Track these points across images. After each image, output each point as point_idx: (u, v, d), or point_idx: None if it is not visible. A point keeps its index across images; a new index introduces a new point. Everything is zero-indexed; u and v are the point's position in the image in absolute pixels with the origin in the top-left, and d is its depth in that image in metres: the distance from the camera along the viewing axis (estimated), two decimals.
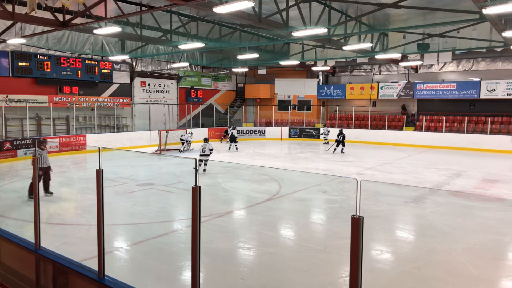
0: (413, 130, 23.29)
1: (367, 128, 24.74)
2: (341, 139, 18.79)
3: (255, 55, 18.53)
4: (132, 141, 20.16)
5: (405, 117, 24.33)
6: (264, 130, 26.38)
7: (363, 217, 3.65)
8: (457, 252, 6.24)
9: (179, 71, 24.93)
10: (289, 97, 28.40)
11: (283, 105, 28.20)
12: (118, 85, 21.51)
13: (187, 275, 5.15)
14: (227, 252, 6.12)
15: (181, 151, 18.87)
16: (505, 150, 19.13)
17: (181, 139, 19.28)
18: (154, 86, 23.79)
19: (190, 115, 25.68)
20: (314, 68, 25.24)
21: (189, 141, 19.23)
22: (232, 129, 21.01)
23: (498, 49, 17.71)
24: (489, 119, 20.96)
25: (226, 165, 14.13)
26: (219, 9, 9.17)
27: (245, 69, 25.63)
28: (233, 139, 20.20)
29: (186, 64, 22.72)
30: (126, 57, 18.84)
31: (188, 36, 14.37)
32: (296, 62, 21.35)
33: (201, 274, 5.25)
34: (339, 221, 7.75)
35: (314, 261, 5.77)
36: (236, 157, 17.69)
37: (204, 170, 12.49)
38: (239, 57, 19.02)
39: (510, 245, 6.90)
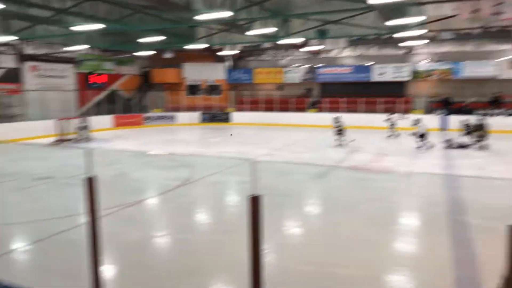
0: (316, 112, 24.76)
1: (274, 111, 25.63)
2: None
3: (158, 38, 17.88)
4: (25, 132, 18.17)
5: (309, 99, 25.73)
6: (174, 116, 25.80)
7: (258, 196, 3.72)
8: (356, 221, 6.89)
9: (76, 55, 22.98)
10: (198, 81, 28.08)
11: (193, 90, 27.80)
12: (3, 70, 19.13)
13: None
14: (139, 243, 5.96)
15: (78, 140, 17.64)
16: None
17: (77, 128, 18.05)
18: (49, 71, 21.64)
19: (92, 102, 24.01)
20: (221, 53, 25.23)
21: (85, 128, 18.10)
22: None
23: (385, 36, 19.56)
24: (380, 100, 23.19)
25: (132, 154, 13.56)
26: None
27: (151, 52, 24.63)
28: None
29: (84, 47, 21.03)
30: (11, 39, 16.75)
31: (84, 16, 13.30)
32: (203, 46, 21.12)
33: (114, 268, 5.07)
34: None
35: (226, 241, 5.91)
36: (145, 145, 17.08)
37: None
38: (142, 40, 18.21)
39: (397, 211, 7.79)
